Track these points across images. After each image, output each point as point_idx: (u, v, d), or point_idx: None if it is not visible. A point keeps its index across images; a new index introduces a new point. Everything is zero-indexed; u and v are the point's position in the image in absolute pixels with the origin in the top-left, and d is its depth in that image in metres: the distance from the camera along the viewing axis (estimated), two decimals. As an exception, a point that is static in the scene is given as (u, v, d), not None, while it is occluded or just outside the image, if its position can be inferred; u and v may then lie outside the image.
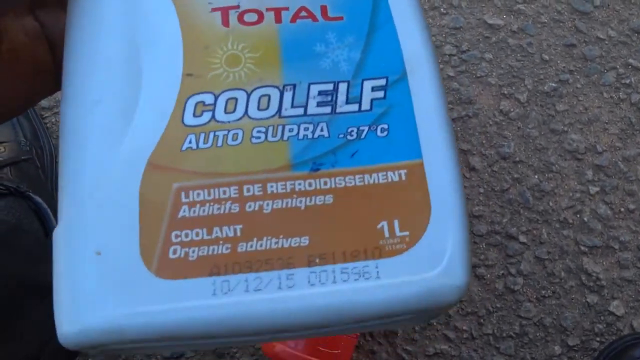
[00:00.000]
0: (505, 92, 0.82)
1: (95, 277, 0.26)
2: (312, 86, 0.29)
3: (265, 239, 0.27)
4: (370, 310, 0.26)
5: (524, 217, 0.77)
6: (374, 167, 0.28)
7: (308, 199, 0.28)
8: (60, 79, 0.33)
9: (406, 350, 0.72)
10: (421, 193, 0.28)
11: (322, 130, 0.29)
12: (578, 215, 0.77)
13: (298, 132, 0.28)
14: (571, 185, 0.78)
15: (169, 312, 0.26)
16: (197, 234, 0.27)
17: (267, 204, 0.27)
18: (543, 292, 0.74)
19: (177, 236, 0.27)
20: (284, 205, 0.27)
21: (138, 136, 0.28)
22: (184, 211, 0.27)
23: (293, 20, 0.30)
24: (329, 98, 0.29)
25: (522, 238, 0.76)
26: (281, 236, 0.27)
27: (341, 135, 0.29)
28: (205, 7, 0.31)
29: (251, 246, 0.27)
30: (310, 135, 0.28)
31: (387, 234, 0.27)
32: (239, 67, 0.29)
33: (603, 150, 0.80)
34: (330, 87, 0.29)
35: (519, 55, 0.84)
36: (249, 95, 0.29)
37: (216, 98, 0.29)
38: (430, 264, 0.27)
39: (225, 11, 0.30)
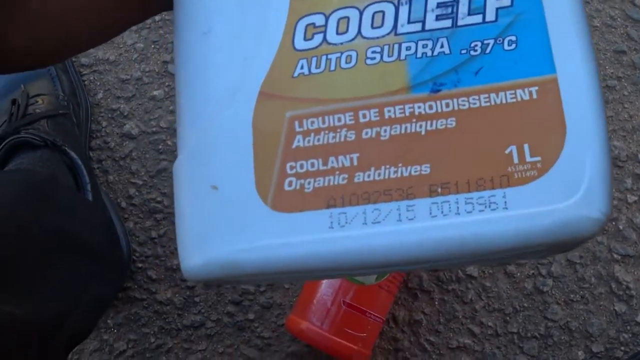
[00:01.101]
0: None
1: (213, 212, 0.26)
2: (429, -2, 0.27)
3: (383, 168, 0.26)
4: (496, 244, 0.25)
5: None
6: (501, 85, 0.26)
7: (429, 123, 0.26)
8: (148, 7, 0.32)
9: (429, 341, 0.72)
10: (555, 112, 0.25)
11: (442, 46, 0.26)
12: (614, 223, 0.75)
13: (416, 50, 0.26)
14: None
15: (286, 246, 0.26)
16: (312, 165, 0.26)
17: (385, 130, 0.26)
18: (572, 296, 0.73)
19: (292, 167, 0.26)
20: (402, 131, 0.26)
21: (249, 65, 0.27)
22: (298, 141, 0.26)
23: None
24: (449, 10, 0.26)
25: None
26: (400, 164, 0.26)
27: (464, 51, 0.26)
28: None
29: (369, 176, 0.26)
30: (429, 53, 0.26)
31: (516, 160, 0.25)
32: None
33: (644, 160, 0.77)
34: (450, -3, 0.27)
35: None
36: (361, 13, 0.27)
37: (327, 18, 0.27)
38: (564, 193, 0.24)
39: None
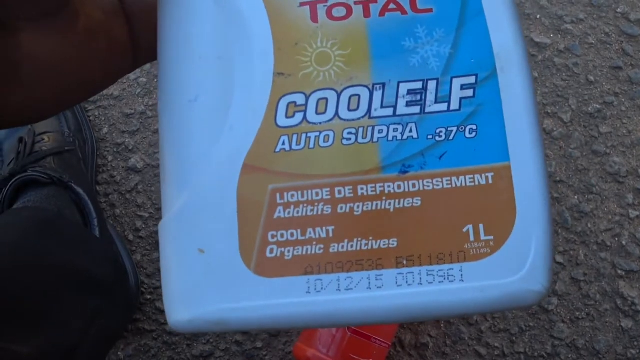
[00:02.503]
0: (549, 111, 0.81)
1: (201, 274, 0.29)
2: (401, 85, 0.29)
3: (355, 240, 0.28)
4: (452, 312, 0.28)
5: (562, 237, 0.77)
6: (462, 169, 0.29)
7: (397, 201, 0.29)
8: (138, 57, 0.33)
9: None
10: (507, 197, 0.28)
11: (411, 131, 0.29)
12: (616, 239, 0.77)
13: (387, 134, 0.29)
14: (611, 208, 0.78)
15: (267, 308, 0.28)
16: (292, 235, 0.29)
17: (358, 206, 0.29)
18: (577, 313, 0.75)
19: (273, 236, 0.29)
20: (373, 208, 0.29)
21: (234, 137, 0.30)
22: (279, 212, 0.29)
23: (382, 13, 0.30)
24: (418, 97, 0.29)
25: (559, 258, 0.76)
26: (371, 238, 0.28)
27: (430, 136, 0.29)
28: (294, 1, 0.31)
29: (342, 247, 0.29)
30: (399, 137, 0.29)
31: (472, 238, 0.28)
32: (329, 66, 0.30)
33: (645, 175, 0.79)
34: (419, 85, 0.29)
35: (564, 74, 0.83)
36: (339, 96, 0.30)
37: (307, 98, 0.30)
38: (512, 268, 0.28)
39: (313, 5, 0.31)
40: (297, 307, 0.28)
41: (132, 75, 0.80)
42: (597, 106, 0.80)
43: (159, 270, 0.73)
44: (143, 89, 0.79)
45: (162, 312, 0.73)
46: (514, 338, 0.73)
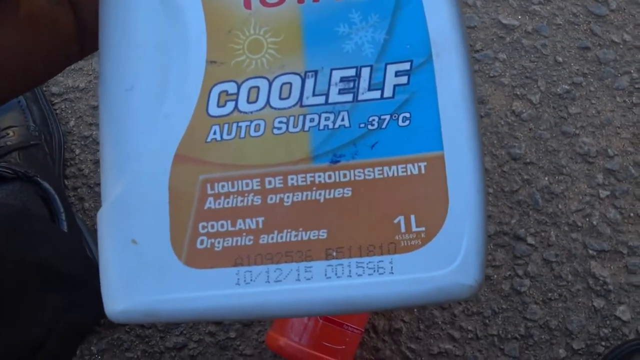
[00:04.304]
0: (518, 92, 0.81)
1: (133, 265, 0.29)
2: (334, 72, 0.29)
3: (285, 231, 0.28)
4: (381, 304, 0.27)
5: (533, 219, 0.77)
6: (394, 159, 0.28)
7: (327, 191, 0.28)
8: (85, 45, 0.32)
9: (410, 349, 0.73)
10: (440, 188, 0.27)
11: (343, 119, 0.28)
12: (587, 219, 0.77)
13: (319, 122, 0.29)
14: (581, 188, 0.78)
15: (197, 300, 0.28)
16: (222, 226, 0.28)
17: (288, 197, 0.28)
18: (549, 294, 0.75)
19: (204, 227, 0.28)
20: (303, 198, 0.28)
21: (167, 127, 0.29)
22: (210, 203, 0.28)
23: (316, -1, 0.30)
24: (351, 85, 0.29)
25: (530, 240, 0.76)
26: (301, 229, 0.28)
27: (362, 125, 0.28)
28: (228, -13, 0.30)
29: (272, 238, 0.28)
30: (331, 125, 0.28)
31: (403, 229, 0.27)
32: (261, 53, 0.29)
33: (614, 155, 0.79)
34: (352, 72, 0.29)
35: (532, 56, 0.82)
36: (270, 84, 0.29)
37: (239, 87, 0.29)
38: (443, 261, 0.27)
39: (247, -9, 0.30)
40: (226, 298, 0.28)
41: (97, 67, 0.79)
42: (566, 87, 0.80)
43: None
44: (109, 77, 0.77)
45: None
46: (487, 320, 0.73)
